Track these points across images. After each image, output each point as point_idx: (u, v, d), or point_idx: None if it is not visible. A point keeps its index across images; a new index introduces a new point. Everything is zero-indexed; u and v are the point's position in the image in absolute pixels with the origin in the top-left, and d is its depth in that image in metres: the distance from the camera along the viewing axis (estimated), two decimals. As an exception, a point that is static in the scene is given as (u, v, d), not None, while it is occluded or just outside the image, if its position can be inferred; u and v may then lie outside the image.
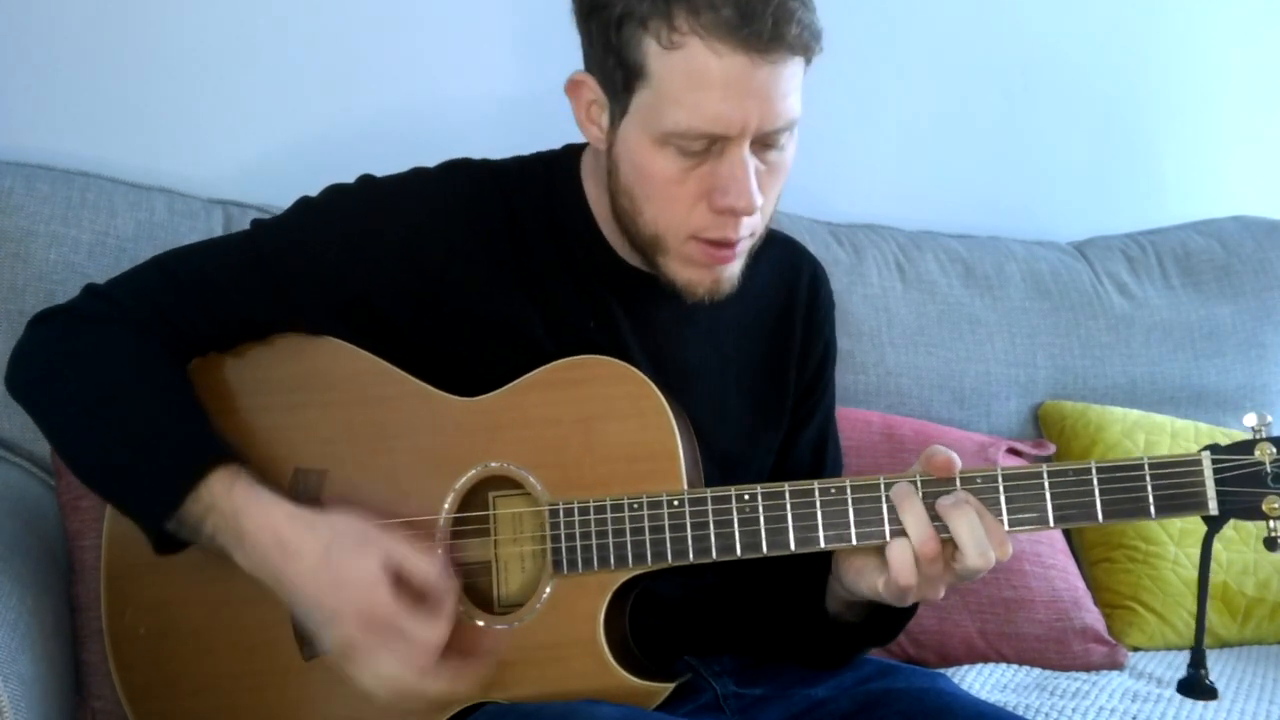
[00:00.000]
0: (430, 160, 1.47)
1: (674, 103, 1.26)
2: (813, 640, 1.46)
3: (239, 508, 1.29)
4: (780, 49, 1.24)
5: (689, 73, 1.24)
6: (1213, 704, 1.82)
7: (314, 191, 1.46)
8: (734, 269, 1.36)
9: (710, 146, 1.28)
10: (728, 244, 1.32)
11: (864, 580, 1.31)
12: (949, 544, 1.25)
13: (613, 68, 1.29)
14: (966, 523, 1.24)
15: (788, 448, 1.54)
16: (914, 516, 1.26)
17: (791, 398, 1.52)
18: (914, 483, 1.28)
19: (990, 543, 1.24)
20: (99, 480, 1.39)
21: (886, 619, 1.39)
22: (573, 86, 1.35)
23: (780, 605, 1.48)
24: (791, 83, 1.27)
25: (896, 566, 1.26)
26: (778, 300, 1.48)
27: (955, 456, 1.27)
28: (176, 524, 1.31)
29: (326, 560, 1.27)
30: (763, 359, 1.50)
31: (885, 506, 1.28)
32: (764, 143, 1.29)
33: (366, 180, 1.45)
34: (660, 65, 1.25)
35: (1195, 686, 1.31)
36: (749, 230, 1.33)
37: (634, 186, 1.32)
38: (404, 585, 1.27)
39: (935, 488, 1.27)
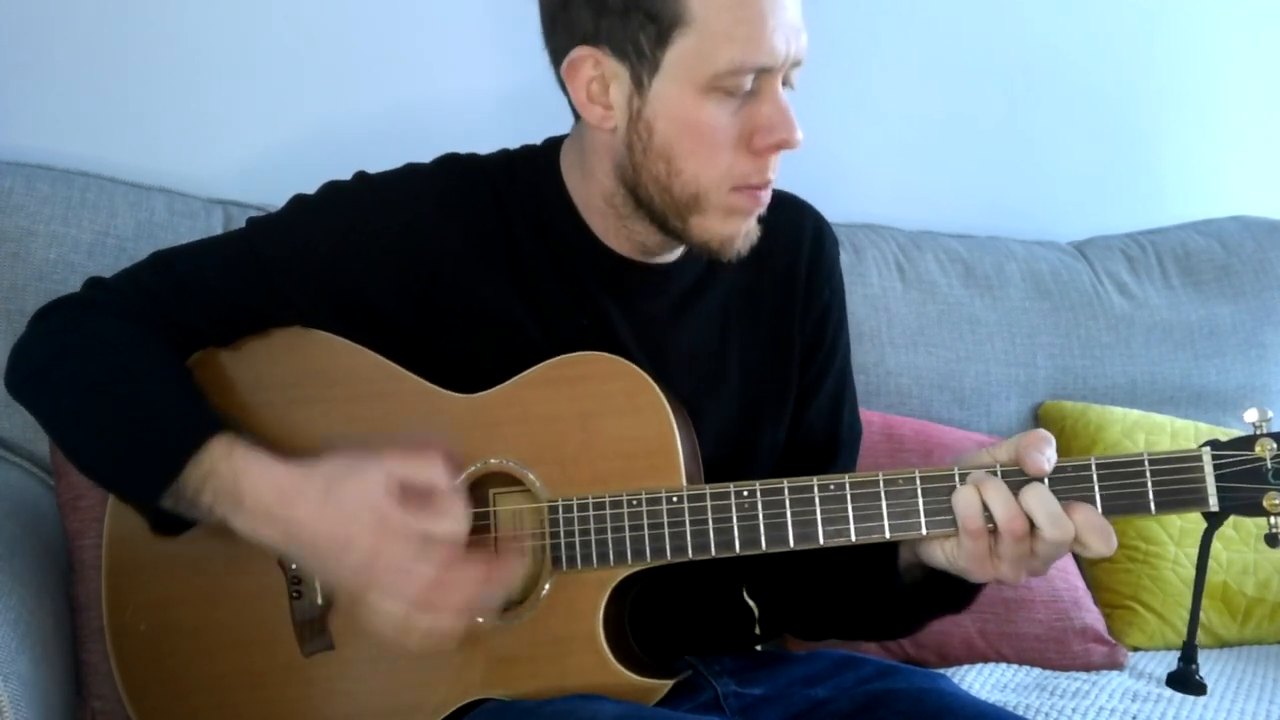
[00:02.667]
0: (427, 156, 1.47)
1: (726, 40, 1.25)
2: (881, 609, 1.43)
3: (238, 470, 1.29)
4: None
5: (737, 5, 1.25)
6: (1212, 703, 1.83)
7: (313, 191, 1.46)
8: (755, 220, 1.36)
9: (753, 85, 1.28)
10: (766, 185, 1.33)
11: (937, 547, 1.29)
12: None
13: (637, 27, 1.27)
14: (1036, 496, 1.22)
15: (798, 419, 1.52)
16: (999, 496, 1.23)
17: (797, 363, 1.51)
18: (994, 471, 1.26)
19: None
20: (96, 463, 1.39)
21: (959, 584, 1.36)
22: (571, 67, 1.32)
23: (846, 576, 1.45)
24: (800, 13, 1.30)
25: (963, 513, 1.24)
26: (781, 263, 1.47)
27: (1047, 462, 1.25)
28: (175, 498, 1.30)
29: (328, 494, 1.26)
30: (768, 328, 1.49)
31: (884, 503, 1.28)
32: (785, 80, 1.31)
33: (361, 177, 1.45)
34: (704, 6, 1.25)
35: (1185, 681, 1.31)
36: (775, 172, 1.34)
37: (674, 144, 1.30)
38: (411, 497, 1.25)
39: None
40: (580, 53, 1.30)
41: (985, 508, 1.24)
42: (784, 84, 1.31)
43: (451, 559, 1.24)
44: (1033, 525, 1.23)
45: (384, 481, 1.25)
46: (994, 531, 1.24)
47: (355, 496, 1.25)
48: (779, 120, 1.29)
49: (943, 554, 1.29)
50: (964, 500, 1.24)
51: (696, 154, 1.30)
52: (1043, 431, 1.26)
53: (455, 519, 1.25)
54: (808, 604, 1.53)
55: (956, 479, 1.27)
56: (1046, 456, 1.24)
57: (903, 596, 1.36)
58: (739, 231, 1.34)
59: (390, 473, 1.25)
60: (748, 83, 1.28)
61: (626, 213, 1.37)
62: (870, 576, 1.39)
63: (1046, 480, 1.25)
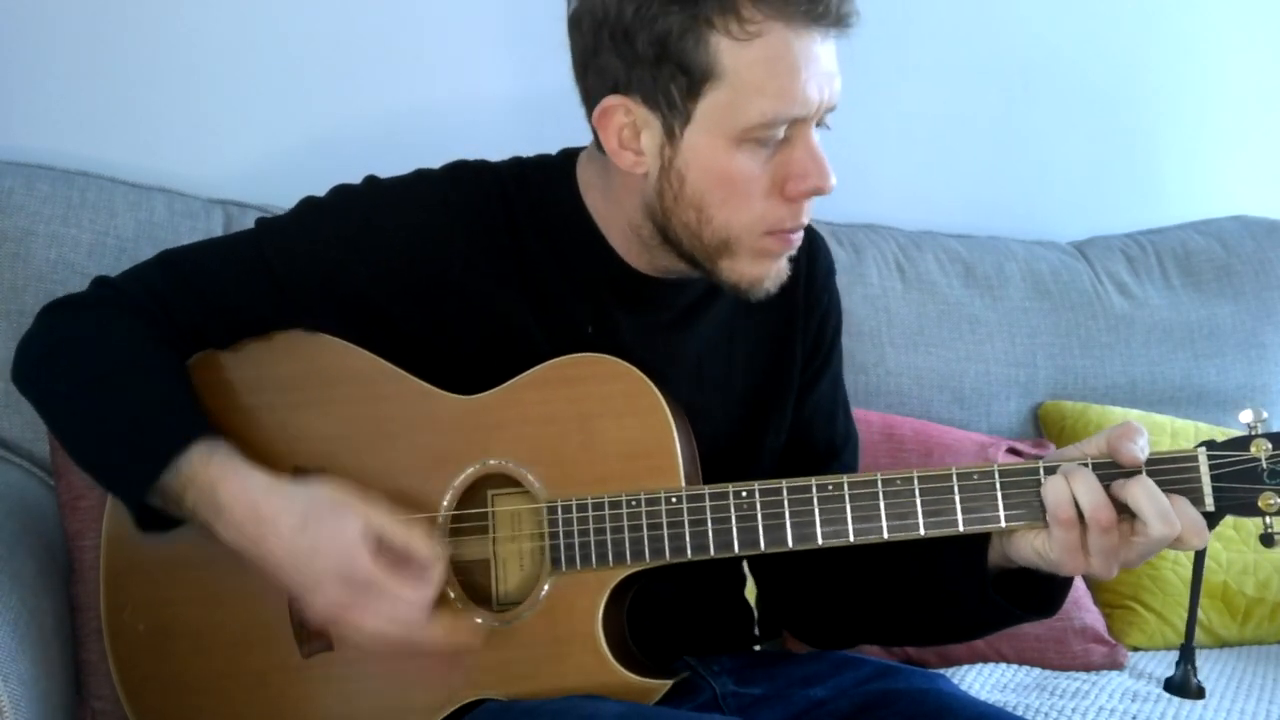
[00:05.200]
0: (431, 160, 1.47)
1: (757, 93, 1.25)
2: (965, 611, 1.39)
3: (215, 480, 1.29)
4: (840, 23, 1.27)
5: (769, 59, 1.25)
6: (1212, 703, 1.83)
7: (314, 191, 1.46)
8: (785, 260, 1.37)
9: (785, 133, 1.28)
10: (799, 229, 1.34)
11: (1028, 542, 1.27)
12: (1125, 520, 1.22)
13: (668, 79, 1.26)
14: (1144, 491, 1.21)
15: (794, 420, 1.52)
16: (1085, 486, 1.22)
17: (799, 369, 1.51)
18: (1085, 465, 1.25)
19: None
20: (86, 457, 1.39)
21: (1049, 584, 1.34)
22: (603, 115, 1.31)
23: (922, 578, 1.41)
24: (835, 58, 1.30)
25: (1053, 503, 1.23)
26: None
27: (1141, 451, 1.24)
28: (160, 498, 1.31)
29: (303, 528, 1.26)
30: (770, 336, 1.50)
31: (882, 504, 1.28)
32: (818, 122, 1.31)
33: (371, 181, 1.45)
34: (736, 60, 1.25)
35: (1183, 685, 1.30)
36: (809, 215, 1.34)
37: (706, 194, 1.30)
38: (387, 552, 1.26)
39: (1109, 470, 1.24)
40: (611, 101, 1.30)
41: (1074, 499, 1.22)
42: (818, 126, 1.31)
43: (413, 620, 1.25)
44: (1133, 517, 1.22)
45: (362, 531, 1.25)
46: (1082, 522, 1.23)
47: (329, 539, 1.26)
48: (812, 168, 1.29)
49: (1032, 549, 1.27)
50: (1053, 490, 1.23)
51: (729, 203, 1.30)
52: (1134, 423, 1.25)
53: (420, 587, 1.25)
54: (853, 608, 1.50)
55: (954, 479, 1.27)
56: (1140, 446, 1.23)
57: (991, 596, 1.33)
58: (768, 273, 1.35)
59: (370, 524, 1.26)
60: (780, 132, 1.28)
61: (653, 244, 1.37)
62: (951, 579, 1.36)
63: (1043, 472, 1.25)
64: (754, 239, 1.32)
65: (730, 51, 1.25)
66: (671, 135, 1.29)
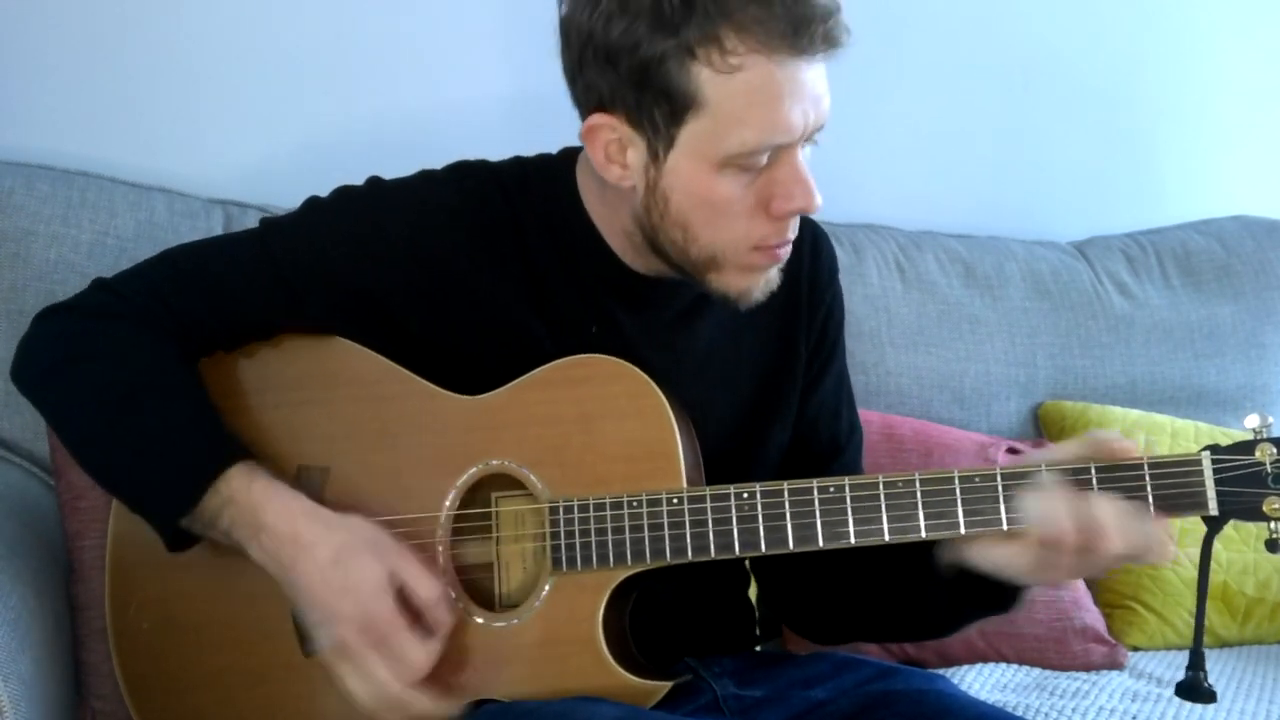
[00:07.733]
0: (431, 161, 1.47)
1: (739, 124, 1.25)
2: (927, 612, 1.42)
3: (258, 502, 1.30)
4: (829, 47, 1.26)
5: (752, 90, 1.24)
6: (1212, 704, 1.83)
7: (315, 190, 1.46)
8: (775, 270, 1.37)
9: (770, 158, 1.28)
10: (785, 244, 1.34)
11: (984, 554, 1.28)
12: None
13: (651, 103, 1.26)
14: (1111, 507, 1.21)
15: (800, 417, 1.53)
16: (1067, 508, 1.22)
17: (803, 364, 1.52)
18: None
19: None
20: (112, 479, 1.39)
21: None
22: (589, 132, 1.31)
23: (886, 579, 1.43)
24: (826, 77, 1.29)
25: (1042, 523, 1.23)
26: (784, 271, 1.46)
27: (1134, 445, 1.25)
28: (190, 519, 1.32)
29: (336, 561, 1.28)
30: (775, 333, 1.50)
31: (884, 506, 1.28)
32: (807, 139, 1.31)
33: (375, 182, 1.45)
34: (718, 90, 1.24)
35: (1194, 689, 1.30)
36: (795, 231, 1.34)
37: (690, 215, 1.30)
38: (406, 601, 1.29)
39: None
40: (597, 120, 1.30)
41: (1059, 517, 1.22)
42: (808, 142, 1.31)
43: (410, 680, 1.28)
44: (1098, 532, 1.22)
45: (387, 579, 1.29)
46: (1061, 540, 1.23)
47: (356, 580, 1.28)
48: (797, 190, 1.29)
49: (990, 562, 1.28)
50: (1045, 509, 1.23)
51: (713, 224, 1.30)
52: (1115, 432, 1.25)
53: (425, 650, 1.28)
54: (840, 607, 1.51)
55: (956, 482, 1.27)
56: (1130, 444, 1.25)
57: (944, 597, 1.35)
58: (756, 284, 1.35)
59: (396, 573, 1.29)
60: (763, 159, 1.28)
61: (645, 250, 1.38)
62: (912, 579, 1.38)
63: (1045, 476, 1.25)
64: (740, 255, 1.32)
65: (711, 82, 1.24)
66: (656, 157, 1.29)
